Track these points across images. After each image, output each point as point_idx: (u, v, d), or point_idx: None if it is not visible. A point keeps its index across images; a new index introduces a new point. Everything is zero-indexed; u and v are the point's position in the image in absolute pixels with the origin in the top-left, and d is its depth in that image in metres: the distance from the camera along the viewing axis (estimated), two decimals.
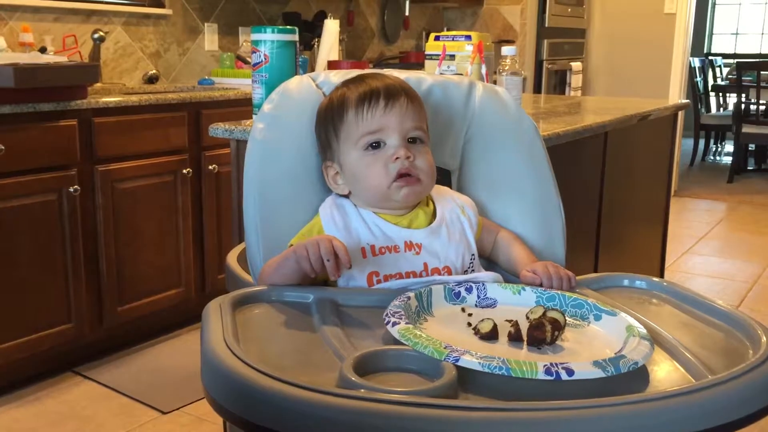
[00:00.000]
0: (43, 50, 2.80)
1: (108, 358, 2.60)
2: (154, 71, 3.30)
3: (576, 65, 5.22)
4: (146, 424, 2.17)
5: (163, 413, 2.22)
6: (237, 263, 1.29)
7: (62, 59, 2.49)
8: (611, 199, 2.43)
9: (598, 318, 0.94)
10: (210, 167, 2.83)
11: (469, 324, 0.92)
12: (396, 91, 1.09)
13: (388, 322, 0.87)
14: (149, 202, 2.65)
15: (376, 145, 1.08)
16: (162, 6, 3.35)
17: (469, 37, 1.99)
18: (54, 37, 2.94)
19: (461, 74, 1.97)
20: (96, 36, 3.00)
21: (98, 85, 2.94)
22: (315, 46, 3.82)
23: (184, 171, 2.74)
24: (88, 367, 2.52)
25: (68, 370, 2.49)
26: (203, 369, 0.79)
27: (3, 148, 2.19)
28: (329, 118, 1.11)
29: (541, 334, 0.86)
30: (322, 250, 0.96)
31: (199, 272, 2.87)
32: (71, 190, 2.38)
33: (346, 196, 1.13)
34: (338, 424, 0.68)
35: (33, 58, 2.37)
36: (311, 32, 3.88)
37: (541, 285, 1.05)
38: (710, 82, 7.48)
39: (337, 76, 1.21)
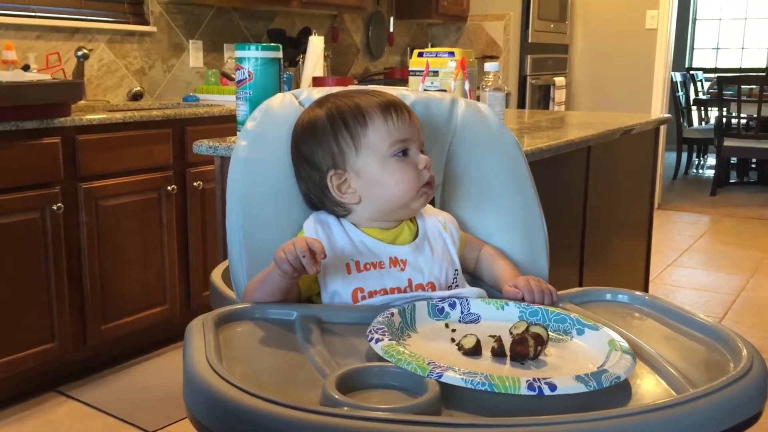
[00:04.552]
0: (26, 68, 2.79)
1: (92, 377, 2.57)
2: (139, 88, 3.29)
3: (559, 80, 5.27)
4: None
5: None
6: (222, 280, 1.29)
7: (45, 77, 2.48)
8: (595, 213, 2.45)
9: (580, 332, 0.95)
10: (195, 184, 2.83)
11: (453, 340, 0.93)
12: (408, 106, 1.15)
13: (372, 339, 0.87)
14: (134, 220, 2.64)
15: (403, 153, 1.10)
16: (146, 23, 3.35)
17: (452, 53, 2.01)
18: (37, 55, 2.93)
19: (445, 90, 1.98)
20: (80, 53, 2.99)
21: (82, 102, 2.93)
22: (300, 62, 3.83)
23: (169, 188, 2.74)
24: (71, 387, 2.49)
25: (51, 390, 2.47)
26: (185, 388, 0.79)
27: None
28: (342, 126, 1.09)
29: (524, 349, 0.87)
30: (297, 249, 0.96)
31: (184, 290, 2.86)
32: (55, 207, 2.37)
33: (339, 213, 1.12)
34: None
35: (16, 75, 2.37)
36: (296, 49, 3.89)
37: (523, 299, 1.05)
38: (692, 96, 7.56)
39: (320, 94, 1.22)
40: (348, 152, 1.09)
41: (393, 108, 1.10)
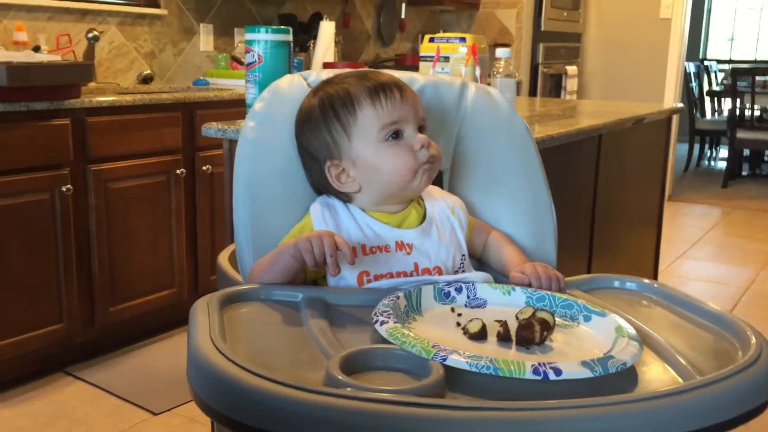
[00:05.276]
0: (36, 49, 2.79)
1: (99, 358, 2.59)
2: (149, 71, 3.29)
3: (572, 69, 5.23)
4: (137, 425, 2.16)
5: (155, 414, 2.21)
6: (229, 263, 1.28)
7: (56, 58, 2.48)
8: (605, 202, 2.43)
9: (587, 319, 0.94)
10: (204, 168, 2.83)
11: (458, 324, 0.92)
12: (402, 83, 1.11)
13: (377, 321, 0.86)
14: (142, 203, 2.64)
15: (395, 135, 1.07)
16: (157, 6, 3.34)
17: (463, 39, 1.99)
18: (48, 36, 2.93)
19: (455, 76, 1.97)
20: (90, 35, 2.99)
21: (92, 84, 2.93)
22: (311, 47, 3.82)
23: (178, 171, 2.74)
24: (79, 368, 2.51)
25: (59, 371, 2.48)
26: (189, 368, 0.79)
27: None
28: (332, 115, 1.08)
29: (530, 334, 0.86)
30: (325, 246, 0.95)
31: (192, 273, 2.87)
32: (64, 189, 2.37)
33: (344, 199, 1.12)
34: (324, 423, 0.67)
35: (26, 56, 2.37)
36: (307, 34, 3.88)
37: (530, 285, 1.05)
38: (705, 87, 7.50)
39: (329, 75, 1.20)
40: (341, 142, 1.08)
41: (381, 90, 1.07)
